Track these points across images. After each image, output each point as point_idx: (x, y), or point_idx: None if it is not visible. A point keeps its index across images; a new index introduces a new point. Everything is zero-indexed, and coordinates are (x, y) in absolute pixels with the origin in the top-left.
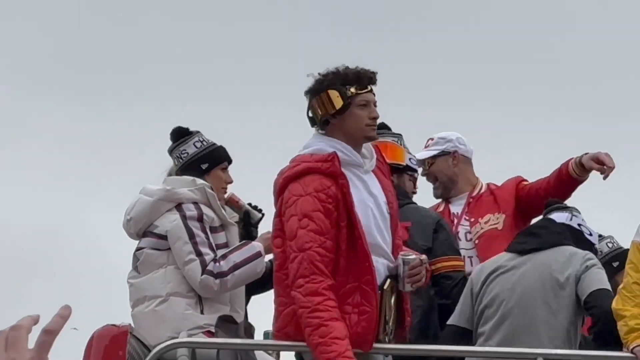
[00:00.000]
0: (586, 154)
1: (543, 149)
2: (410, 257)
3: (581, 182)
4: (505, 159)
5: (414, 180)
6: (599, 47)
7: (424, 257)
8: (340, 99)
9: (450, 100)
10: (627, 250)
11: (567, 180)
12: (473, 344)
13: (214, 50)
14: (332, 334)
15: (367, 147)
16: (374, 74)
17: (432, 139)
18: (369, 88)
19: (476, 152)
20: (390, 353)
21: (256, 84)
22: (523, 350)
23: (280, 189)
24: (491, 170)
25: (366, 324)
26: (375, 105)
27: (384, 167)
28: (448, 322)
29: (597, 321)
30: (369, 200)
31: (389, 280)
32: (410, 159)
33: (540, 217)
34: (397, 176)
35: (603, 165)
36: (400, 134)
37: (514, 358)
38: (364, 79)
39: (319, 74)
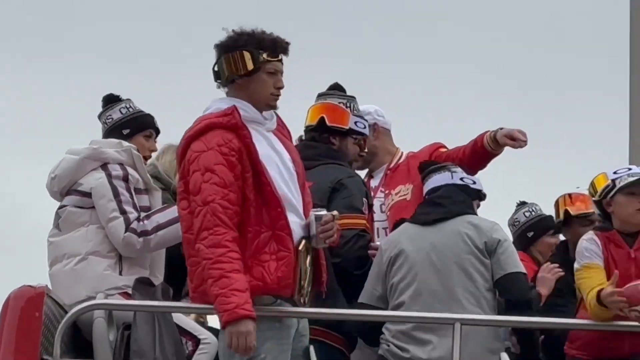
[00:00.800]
0: (501, 128)
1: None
2: (321, 212)
3: (495, 155)
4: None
5: (361, 143)
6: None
7: (335, 212)
8: (252, 62)
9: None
10: (545, 217)
11: (481, 152)
12: None
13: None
14: (232, 286)
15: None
16: (288, 44)
17: None
18: (280, 57)
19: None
20: (306, 317)
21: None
22: (441, 315)
23: (183, 150)
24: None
25: (286, 268)
26: (281, 75)
27: (285, 130)
28: (359, 301)
29: (507, 306)
30: (274, 155)
31: (303, 241)
32: (356, 122)
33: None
34: (339, 139)
35: (515, 142)
36: (353, 97)
37: (433, 323)
38: (279, 47)
39: (234, 30)
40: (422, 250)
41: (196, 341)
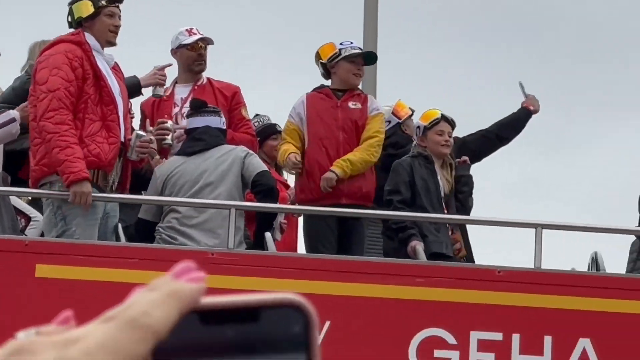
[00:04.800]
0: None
1: None
2: (143, 133)
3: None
4: None
5: None
6: None
7: (152, 137)
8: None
9: None
10: (269, 125)
11: None
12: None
13: None
14: (75, 155)
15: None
16: None
17: None
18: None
19: None
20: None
21: None
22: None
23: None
24: None
25: (115, 150)
26: (119, 18)
27: (120, 73)
28: (139, 216)
29: (263, 196)
30: (106, 77)
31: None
32: None
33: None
34: None
35: None
36: None
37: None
38: None
39: None
40: (189, 171)
41: (28, 219)
